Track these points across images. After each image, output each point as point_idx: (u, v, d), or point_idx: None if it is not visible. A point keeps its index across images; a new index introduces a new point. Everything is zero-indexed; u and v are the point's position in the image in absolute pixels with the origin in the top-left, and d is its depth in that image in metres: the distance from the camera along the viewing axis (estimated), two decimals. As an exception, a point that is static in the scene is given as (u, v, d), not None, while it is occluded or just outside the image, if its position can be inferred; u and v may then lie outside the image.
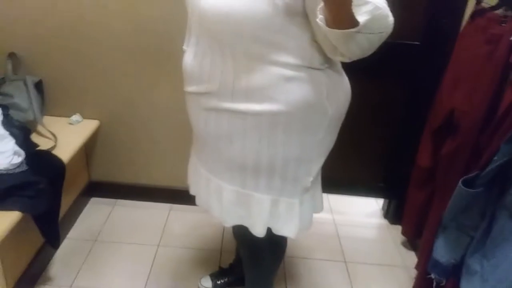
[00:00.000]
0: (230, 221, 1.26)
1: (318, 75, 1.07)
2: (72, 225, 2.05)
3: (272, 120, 1.07)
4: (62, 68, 1.97)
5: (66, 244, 1.92)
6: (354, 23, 0.84)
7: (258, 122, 1.08)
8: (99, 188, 2.25)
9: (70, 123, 2.01)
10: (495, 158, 1.10)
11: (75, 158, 1.83)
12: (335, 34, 0.87)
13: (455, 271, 1.27)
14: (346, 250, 2.03)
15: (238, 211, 1.23)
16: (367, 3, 0.85)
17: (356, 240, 2.10)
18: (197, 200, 1.36)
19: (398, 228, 2.10)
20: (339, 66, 1.17)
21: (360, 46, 0.90)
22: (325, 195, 2.32)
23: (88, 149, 2.16)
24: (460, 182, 1.16)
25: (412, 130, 1.97)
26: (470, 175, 1.16)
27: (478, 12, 1.53)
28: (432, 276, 1.29)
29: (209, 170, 1.25)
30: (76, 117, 2.03)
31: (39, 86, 1.94)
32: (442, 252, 1.27)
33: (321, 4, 0.85)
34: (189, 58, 1.15)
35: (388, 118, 2.10)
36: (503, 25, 1.39)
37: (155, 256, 1.90)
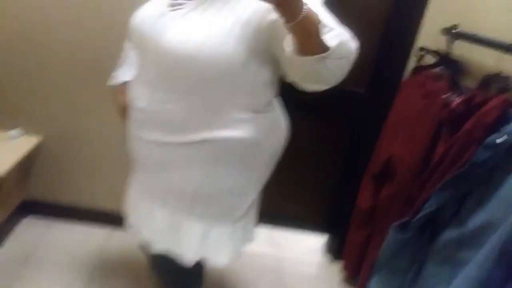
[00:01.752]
0: (159, 247, 1.25)
1: (260, 117, 1.14)
2: (0, 245, 1.92)
3: (215, 151, 1.11)
4: (4, 79, 1.88)
5: (-9, 266, 1.80)
6: (324, 48, 0.86)
7: (203, 152, 1.11)
8: (35, 207, 2.13)
9: (8, 138, 1.92)
10: (426, 205, 1.18)
11: (9, 175, 1.74)
12: (307, 62, 0.88)
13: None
14: (286, 285, 2.04)
15: (168, 237, 1.23)
16: (332, 29, 0.88)
17: (297, 276, 2.12)
18: (128, 224, 1.36)
19: (340, 264, 2.14)
20: (279, 107, 1.26)
21: (332, 72, 0.93)
22: (268, 229, 2.39)
23: (27, 166, 2.05)
24: (391, 227, 1.23)
25: (354, 169, 2.06)
26: (402, 220, 1.23)
27: (418, 68, 1.66)
28: (365, 315, 1.33)
29: (143, 192, 1.26)
30: (15, 132, 1.94)
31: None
32: (375, 292, 1.32)
33: (287, 38, 0.89)
34: (138, 89, 1.14)
35: (333, 157, 2.19)
36: (438, 82, 1.51)
37: (89, 284, 1.81)
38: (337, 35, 0.87)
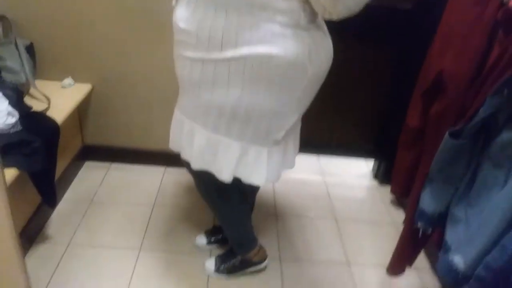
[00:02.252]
0: (197, 165, 1.31)
1: (303, 35, 1.11)
2: (68, 187, 2.08)
3: (254, 69, 1.10)
4: (53, 31, 1.95)
5: (62, 205, 1.96)
6: None
7: (242, 69, 1.11)
8: (93, 151, 2.27)
9: (63, 87, 2.01)
10: (480, 110, 1.14)
11: (68, 121, 1.84)
12: None
13: (441, 220, 1.33)
14: (336, 209, 2.09)
15: (206, 155, 1.28)
16: None
17: (346, 200, 2.17)
18: (171, 143, 1.42)
19: (388, 188, 2.16)
20: (325, 28, 1.22)
21: (346, 4, 0.96)
22: (316, 157, 2.42)
23: (81, 113, 2.17)
24: (447, 133, 1.20)
25: (402, 92, 2.01)
26: (457, 127, 1.20)
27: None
28: (419, 225, 1.35)
29: (185, 113, 1.30)
30: (68, 81, 2.02)
31: (30, 49, 1.92)
32: (428, 202, 1.33)
33: None
34: (180, 11, 1.16)
35: (379, 80, 2.13)
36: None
37: (150, 216, 1.94)
38: None
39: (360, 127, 2.25)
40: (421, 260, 1.78)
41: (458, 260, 1.13)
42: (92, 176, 2.18)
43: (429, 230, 1.35)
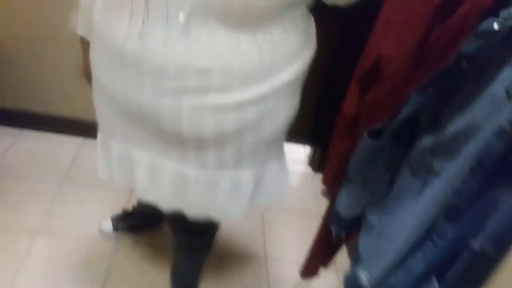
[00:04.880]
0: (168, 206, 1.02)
1: (312, 30, 1.06)
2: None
3: (292, 85, 1.03)
4: None
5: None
6: None
7: (287, 91, 1.00)
8: (3, 115, 2.01)
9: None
10: (404, 109, 1.00)
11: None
12: None
13: (356, 225, 1.21)
14: (265, 196, 1.96)
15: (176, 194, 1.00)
16: None
17: (277, 186, 2.04)
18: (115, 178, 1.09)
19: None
20: None
21: None
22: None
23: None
24: (365, 132, 1.06)
25: (344, 75, 1.86)
26: (377, 126, 1.07)
27: None
28: (331, 228, 1.23)
29: (143, 146, 0.95)
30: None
31: None
32: (344, 204, 1.21)
33: None
34: (162, 41, 0.77)
35: (319, 60, 1.97)
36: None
37: (55, 194, 1.74)
38: None
39: (301, 111, 2.10)
40: (344, 259, 1.68)
41: (363, 276, 1.02)
42: (-3, 143, 1.94)
43: (343, 235, 1.23)
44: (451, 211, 0.81)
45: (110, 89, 0.88)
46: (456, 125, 0.87)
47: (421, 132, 0.99)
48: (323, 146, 2.09)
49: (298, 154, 2.29)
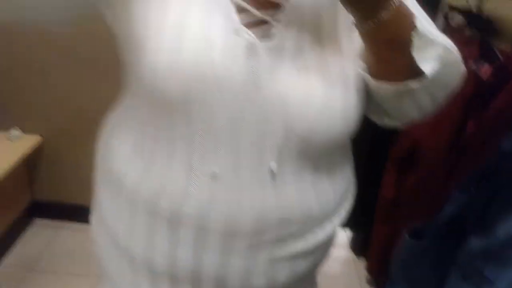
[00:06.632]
0: None
1: None
2: (10, 249, 1.88)
3: None
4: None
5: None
6: (414, 72, 0.56)
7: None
8: (43, 208, 2.07)
9: (8, 139, 1.84)
10: (446, 208, 0.93)
11: (12, 175, 1.68)
12: (383, 90, 0.59)
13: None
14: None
15: None
16: (434, 43, 0.55)
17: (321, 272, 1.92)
18: None
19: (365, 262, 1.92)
20: None
21: (419, 105, 0.62)
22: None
23: (30, 167, 1.99)
24: (406, 233, 0.99)
25: (378, 159, 1.80)
26: (419, 224, 0.99)
27: (444, 32, 1.37)
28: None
29: None
30: (15, 132, 1.86)
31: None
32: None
33: (361, 43, 0.57)
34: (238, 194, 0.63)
35: (355, 144, 1.93)
36: (468, 47, 1.22)
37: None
38: (439, 55, 0.55)
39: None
40: None
41: None
42: (39, 237, 1.98)
43: None
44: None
45: (142, 252, 0.70)
46: (504, 229, 0.79)
47: (468, 233, 0.91)
48: (364, 229, 1.99)
49: (339, 238, 2.18)
